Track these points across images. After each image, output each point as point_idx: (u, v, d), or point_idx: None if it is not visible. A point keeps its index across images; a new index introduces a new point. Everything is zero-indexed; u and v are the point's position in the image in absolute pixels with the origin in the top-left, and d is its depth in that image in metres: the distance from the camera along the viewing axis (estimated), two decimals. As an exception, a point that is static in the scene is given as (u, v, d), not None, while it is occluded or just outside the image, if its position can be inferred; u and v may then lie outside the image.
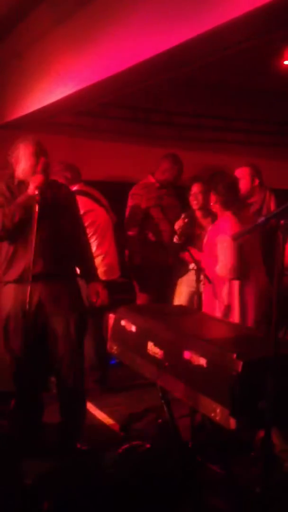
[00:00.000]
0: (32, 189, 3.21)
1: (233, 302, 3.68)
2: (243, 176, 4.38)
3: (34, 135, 3.38)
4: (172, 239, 4.51)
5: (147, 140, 5.65)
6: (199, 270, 3.58)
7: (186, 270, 4.57)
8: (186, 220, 4.23)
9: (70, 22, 3.76)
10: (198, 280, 3.55)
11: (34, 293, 3.27)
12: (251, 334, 3.00)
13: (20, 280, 3.26)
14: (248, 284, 3.69)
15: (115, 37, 3.33)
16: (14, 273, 3.28)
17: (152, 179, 5.08)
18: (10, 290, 3.30)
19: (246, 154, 5.57)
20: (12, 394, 3.46)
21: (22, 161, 3.31)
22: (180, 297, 4.64)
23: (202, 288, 3.59)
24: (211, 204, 3.90)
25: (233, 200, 3.81)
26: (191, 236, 4.40)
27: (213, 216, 4.04)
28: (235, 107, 5.92)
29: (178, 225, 4.26)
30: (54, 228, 3.35)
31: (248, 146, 6.04)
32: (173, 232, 4.38)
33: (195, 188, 4.70)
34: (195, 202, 4.64)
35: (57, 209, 3.39)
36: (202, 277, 3.54)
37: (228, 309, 3.68)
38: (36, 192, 3.19)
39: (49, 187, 3.35)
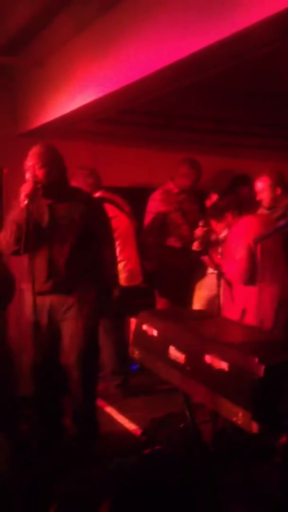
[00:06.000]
0: (21, 199, 3.16)
1: (249, 306, 3.67)
2: (263, 188, 4.21)
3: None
4: (191, 246, 4.50)
5: (167, 146, 5.65)
6: (219, 274, 3.59)
7: (204, 274, 4.57)
8: (205, 228, 4.23)
9: (90, 30, 3.80)
10: (219, 284, 3.56)
11: (46, 302, 3.34)
12: (272, 338, 2.99)
13: (35, 291, 3.31)
14: (267, 288, 3.68)
15: (135, 44, 3.36)
16: (30, 283, 3.31)
17: (171, 185, 5.09)
18: (27, 299, 3.37)
19: (267, 159, 5.55)
20: (33, 398, 3.50)
21: None
22: (200, 301, 4.63)
23: (221, 292, 3.60)
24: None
25: (237, 205, 3.87)
26: (209, 242, 4.40)
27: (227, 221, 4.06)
28: (256, 111, 5.90)
29: (197, 233, 4.26)
30: (67, 240, 3.35)
31: (269, 150, 6.02)
32: (193, 239, 4.38)
33: (214, 199, 4.70)
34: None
35: (70, 221, 3.37)
36: (222, 281, 3.55)
37: (244, 313, 3.68)
38: (26, 202, 3.12)
39: (57, 198, 3.35)
